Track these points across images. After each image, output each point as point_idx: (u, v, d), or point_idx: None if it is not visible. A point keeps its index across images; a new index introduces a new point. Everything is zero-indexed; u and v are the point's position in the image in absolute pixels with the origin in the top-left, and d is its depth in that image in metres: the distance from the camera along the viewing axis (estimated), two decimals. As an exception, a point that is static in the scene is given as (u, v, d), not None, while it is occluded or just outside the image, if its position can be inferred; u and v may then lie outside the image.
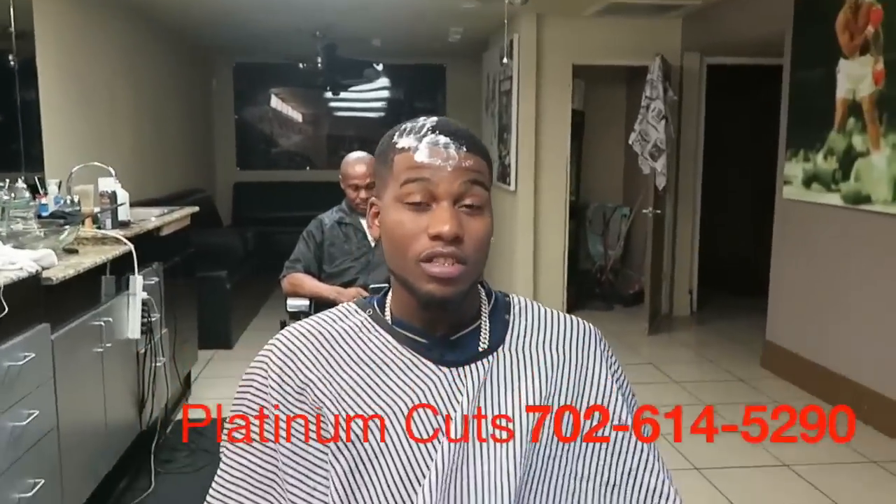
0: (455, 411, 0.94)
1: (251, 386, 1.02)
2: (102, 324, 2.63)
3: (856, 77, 3.71)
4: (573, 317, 1.10)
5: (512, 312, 1.06)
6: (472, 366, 0.98)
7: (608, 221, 6.63)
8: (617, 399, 1.02)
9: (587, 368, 1.03)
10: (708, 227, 6.11)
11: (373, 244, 3.02)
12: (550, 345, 1.03)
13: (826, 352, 4.05)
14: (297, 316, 3.02)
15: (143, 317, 2.94)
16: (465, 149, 0.94)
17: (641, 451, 1.02)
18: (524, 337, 1.03)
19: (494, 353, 1.00)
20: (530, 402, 0.96)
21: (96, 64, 4.64)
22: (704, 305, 6.10)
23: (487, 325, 1.02)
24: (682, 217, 5.91)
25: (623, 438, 1.01)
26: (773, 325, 4.58)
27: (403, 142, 0.96)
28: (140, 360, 3.05)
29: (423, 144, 0.94)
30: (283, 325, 3.15)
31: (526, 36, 5.61)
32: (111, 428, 2.73)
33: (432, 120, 0.97)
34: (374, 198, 1.03)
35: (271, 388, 0.99)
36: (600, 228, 6.67)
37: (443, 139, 0.94)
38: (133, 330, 2.90)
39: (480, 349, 1.00)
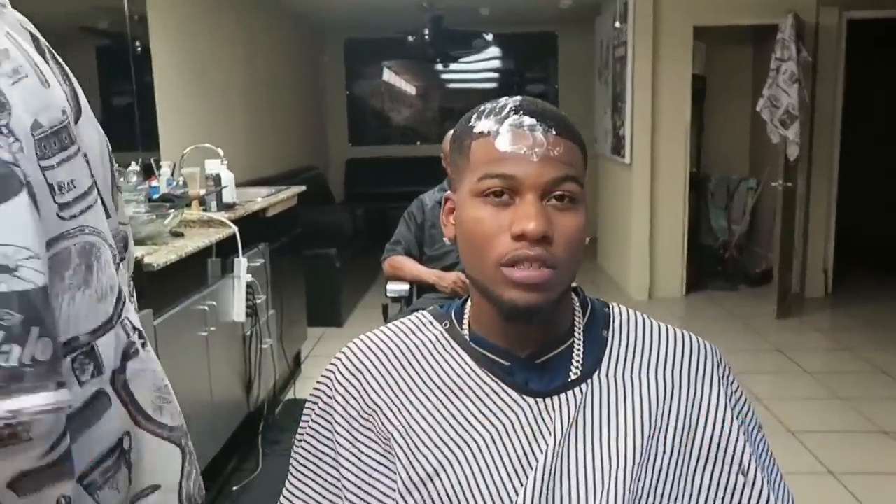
0: (541, 452, 0.80)
1: (315, 406, 0.92)
2: (207, 307, 2.64)
3: None
4: (687, 333, 0.92)
5: (611, 327, 0.89)
6: (563, 396, 0.83)
7: (733, 194, 6.19)
8: (738, 436, 0.85)
9: (702, 398, 0.85)
10: (846, 201, 5.58)
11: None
12: (657, 370, 0.86)
13: None
14: (398, 300, 2.95)
15: (247, 299, 2.95)
16: (553, 132, 0.79)
17: (766, 499, 0.84)
18: (625, 359, 0.87)
19: (589, 381, 0.84)
20: (631, 441, 0.81)
21: (209, 45, 4.72)
22: (841, 286, 5.60)
23: (581, 345, 0.87)
24: (816, 190, 5.42)
25: (743, 485, 0.83)
26: (923, 310, 4.12)
27: (482, 125, 0.81)
28: (246, 341, 3.08)
29: (504, 128, 0.79)
30: (386, 308, 3.09)
31: (642, -2, 5.26)
32: (218, 410, 2.77)
33: (516, 99, 0.83)
34: (448, 191, 0.89)
35: (335, 410, 0.88)
36: (724, 202, 6.24)
37: (528, 121, 0.79)
38: (238, 313, 2.91)
39: (572, 376, 0.84)
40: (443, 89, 8.48)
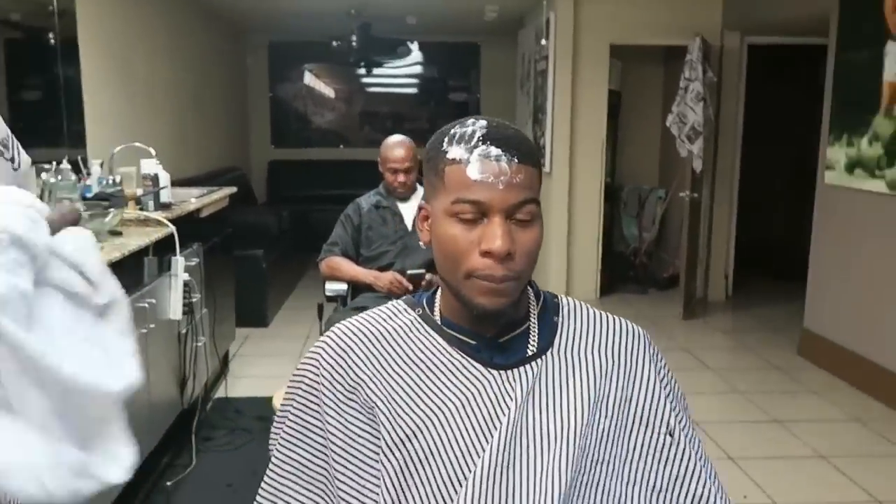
0: (503, 414, 0.95)
1: (302, 383, 1.04)
2: (146, 305, 2.68)
3: (905, 60, 3.60)
4: (623, 319, 1.10)
5: (561, 314, 1.06)
6: (521, 369, 0.98)
7: (644, 203, 6.56)
8: (665, 405, 1.03)
9: (636, 373, 1.03)
10: (746, 211, 6.02)
11: (409, 228, 3.03)
12: (599, 348, 1.03)
13: (865, 341, 3.99)
14: (334, 300, 3.06)
15: (184, 297, 3.00)
16: (516, 160, 0.93)
17: (689, 458, 1.02)
18: (573, 340, 1.03)
19: (543, 357, 1.00)
20: (579, 407, 0.97)
21: (136, 42, 4.68)
22: (741, 290, 6.04)
23: (536, 327, 1.03)
24: (719, 200, 5.83)
25: (670, 444, 1.01)
26: (812, 313, 4.52)
27: (454, 152, 0.95)
28: (181, 339, 3.11)
29: (474, 157, 0.93)
30: (321, 308, 3.19)
31: (563, 15, 5.54)
32: (154, 407, 2.80)
33: (482, 125, 0.96)
34: (423, 201, 1.03)
35: (323, 385, 1.01)
36: (635, 210, 6.60)
37: (494, 151, 0.93)
38: (175, 311, 2.95)
39: (529, 353, 1.00)
40: (365, 94, 8.58)
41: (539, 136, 5.98)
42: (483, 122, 0.97)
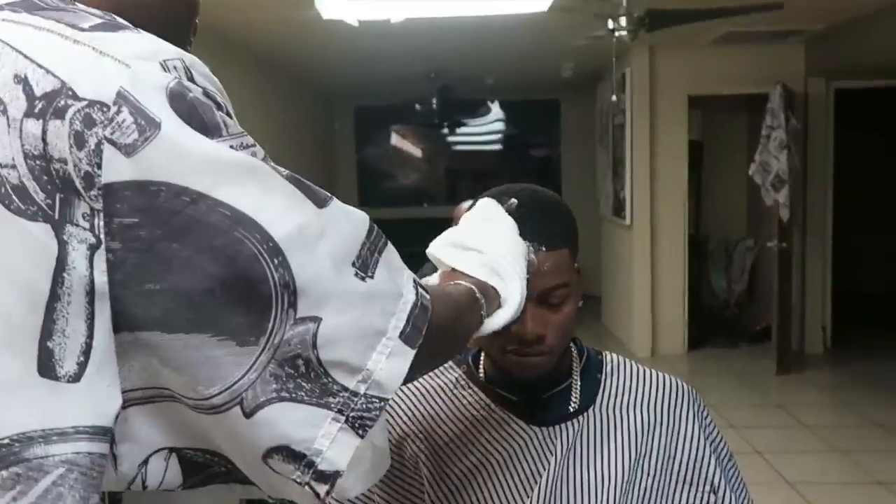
0: (545, 470, 0.97)
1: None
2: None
3: None
4: (669, 376, 1.10)
5: (604, 371, 1.07)
6: (563, 425, 1.00)
7: (731, 255, 6.38)
8: (711, 462, 1.01)
9: (679, 430, 1.03)
10: (843, 260, 5.76)
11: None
12: (642, 405, 1.04)
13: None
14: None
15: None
16: (544, 249, 0.92)
17: None
18: (616, 397, 1.04)
19: (585, 414, 1.02)
20: (620, 465, 0.98)
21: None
22: (840, 342, 5.73)
23: (578, 384, 1.04)
24: (811, 249, 5.61)
25: (714, 502, 1.00)
26: (916, 366, 4.25)
27: None
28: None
29: None
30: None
31: (638, 69, 5.56)
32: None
33: (519, 204, 0.93)
34: None
35: (372, 441, 1.05)
36: (723, 262, 6.43)
37: (528, 239, 0.91)
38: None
39: (571, 409, 1.02)
40: (449, 152, 8.78)
41: (619, 189, 5.96)
42: (520, 198, 0.95)
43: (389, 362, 0.58)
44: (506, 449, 0.99)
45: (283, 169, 0.60)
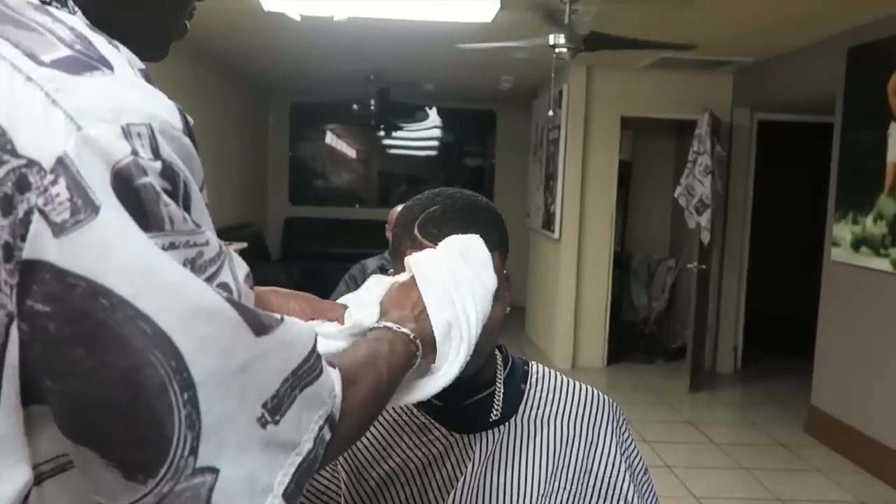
0: (458, 480, 0.97)
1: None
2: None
3: (908, 142, 3.65)
4: (592, 389, 1.11)
5: (529, 382, 1.08)
6: (483, 433, 1.01)
7: (653, 273, 6.57)
8: (625, 477, 1.04)
9: (597, 444, 1.04)
10: (755, 284, 6.01)
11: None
12: (562, 418, 1.05)
13: (872, 421, 3.92)
14: (333, 357, 3.08)
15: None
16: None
17: None
18: (538, 408, 1.05)
19: (507, 423, 1.02)
20: (537, 476, 0.99)
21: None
22: (749, 363, 5.97)
23: (501, 393, 1.05)
24: (728, 272, 5.83)
25: None
26: (818, 390, 4.46)
27: (419, 234, 0.94)
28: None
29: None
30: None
31: (575, 86, 5.68)
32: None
33: (444, 210, 0.94)
34: (391, 270, 1.06)
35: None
36: (645, 279, 6.61)
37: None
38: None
39: (493, 417, 1.03)
40: (384, 155, 8.76)
41: (550, 202, 6.06)
42: (447, 205, 0.95)
43: None
44: (425, 455, 0.99)
45: (230, 276, 0.54)
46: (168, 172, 0.49)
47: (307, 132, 8.61)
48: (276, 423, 0.53)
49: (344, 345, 0.76)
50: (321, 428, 0.57)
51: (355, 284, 3.13)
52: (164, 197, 0.48)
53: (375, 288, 0.86)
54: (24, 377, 0.47)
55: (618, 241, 6.16)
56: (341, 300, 0.88)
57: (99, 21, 0.56)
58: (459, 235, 0.90)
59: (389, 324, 0.76)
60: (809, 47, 4.68)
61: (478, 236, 0.90)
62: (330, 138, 8.66)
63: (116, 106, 0.48)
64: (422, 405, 1.02)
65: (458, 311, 0.80)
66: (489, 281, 0.85)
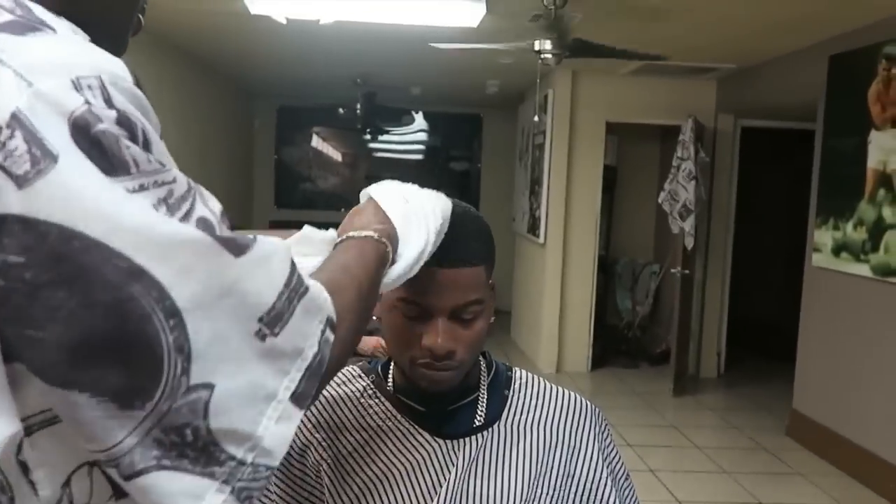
0: (441, 485, 0.97)
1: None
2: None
3: (887, 149, 3.70)
4: (574, 394, 1.12)
5: (512, 388, 1.09)
6: (467, 439, 1.01)
7: (637, 278, 6.61)
8: (607, 483, 1.04)
9: (579, 450, 1.05)
10: (739, 289, 6.06)
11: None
12: (545, 424, 1.05)
13: (852, 424, 3.97)
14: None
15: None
16: (461, 265, 0.92)
17: None
18: (521, 414, 1.06)
19: (489, 429, 1.03)
20: (519, 481, 0.99)
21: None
22: (732, 368, 6.02)
23: (485, 398, 1.06)
24: (711, 277, 5.87)
25: None
26: (800, 394, 4.50)
27: None
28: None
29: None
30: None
31: (560, 92, 5.70)
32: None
33: None
34: None
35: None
36: (629, 284, 6.65)
37: (443, 256, 0.90)
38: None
39: (476, 423, 1.03)
40: (370, 158, 8.75)
41: (535, 207, 6.08)
42: None
43: (278, 427, 0.55)
44: (409, 460, 0.99)
45: (205, 209, 0.55)
46: (124, 121, 0.50)
47: (293, 135, 8.59)
48: (276, 334, 0.55)
49: (317, 262, 0.76)
50: (323, 331, 0.60)
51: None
52: (125, 140, 0.49)
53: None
54: (3, 334, 0.48)
55: (602, 246, 6.19)
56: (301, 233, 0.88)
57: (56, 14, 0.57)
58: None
59: (353, 233, 0.77)
60: (792, 55, 4.73)
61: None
62: (316, 142, 8.65)
63: (64, 61, 0.49)
64: (406, 411, 1.03)
65: (415, 205, 0.85)
66: (440, 196, 0.90)
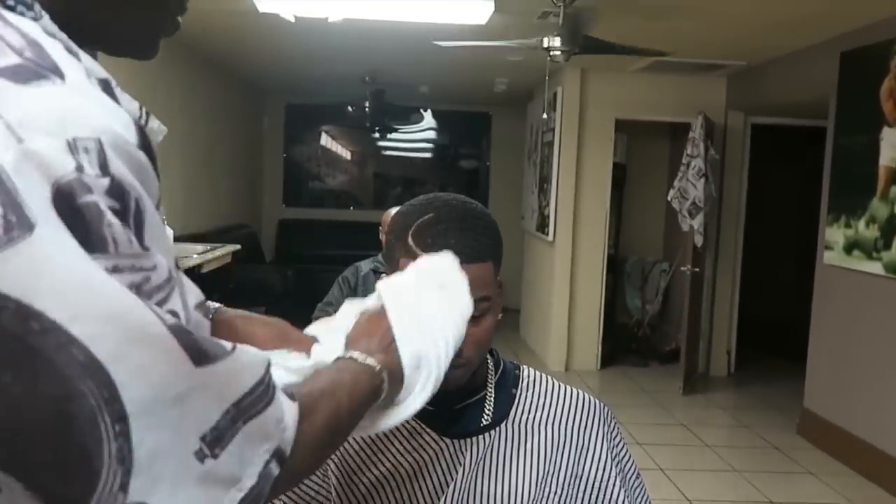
0: (448, 485, 0.97)
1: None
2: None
3: (900, 146, 3.67)
4: (582, 393, 1.11)
5: (520, 386, 1.08)
6: (474, 439, 1.00)
7: (647, 276, 6.58)
8: (616, 483, 1.03)
9: (588, 449, 1.04)
10: (749, 287, 6.02)
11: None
12: (553, 423, 1.05)
13: (863, 423, 3.94)
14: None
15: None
16: (468, 261, 0.91)
17: None
18: (529, 413, 1.05)
19: (497, 428, 1.02)
20: (527, 481, 0.99)
21: (151, 97, 4.84)
22: (743, 366, 5.99)
23: (492, 397, 1.05)
24: (721, 275, 5.84)
25: None
26: (811, 393, 4.48)
27: (409, 246, 0.93)
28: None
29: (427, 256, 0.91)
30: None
31: (569, 89, 5.68)
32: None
33: (440, 218, 0.94)
34: (384, 273, 1.06)
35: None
36: (639, 282, 6.62)
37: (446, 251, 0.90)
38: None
39: (484, 422, 1.02)
40: (379, 156, 8.75)
41: (544, 205, 6.07)
42: (442, 213, 0.95)
43: None
44: (416, 460, 0.99)
45: (179, 304, 0.51)
46: (116, 190, 0.47)
47: (302, 134, 8.60)
48: (216, 457, 0.50)
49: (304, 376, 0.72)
50: (267, 462, 0.54)
51: (349, 286, 3.13)
52: (109, 217, 0.46)
53: (350, 312, 0.83)
54: None
55: (612, 244, 6.17)
56: (312, 329, 0.84)
57: (74, 23, 0.53)
58: (431, 256, 0.87)
59: (355, 354, 0.72)
60: (803, 51, 4.70)
61: (451, 255, 0.86)
62: (325, 140, 8.65)
63: (63, 118, 0.46)
64: (413, 410, 1.02)
65: (429, 342, 0.77)
66: (465, 307, 0.82)
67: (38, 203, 0.43)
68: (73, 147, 0.45)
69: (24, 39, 0.48)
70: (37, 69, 0.47)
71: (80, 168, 0.45)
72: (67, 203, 0.44)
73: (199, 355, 0.49)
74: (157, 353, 0.47)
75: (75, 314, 0.43)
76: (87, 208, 0.45)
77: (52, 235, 0.43)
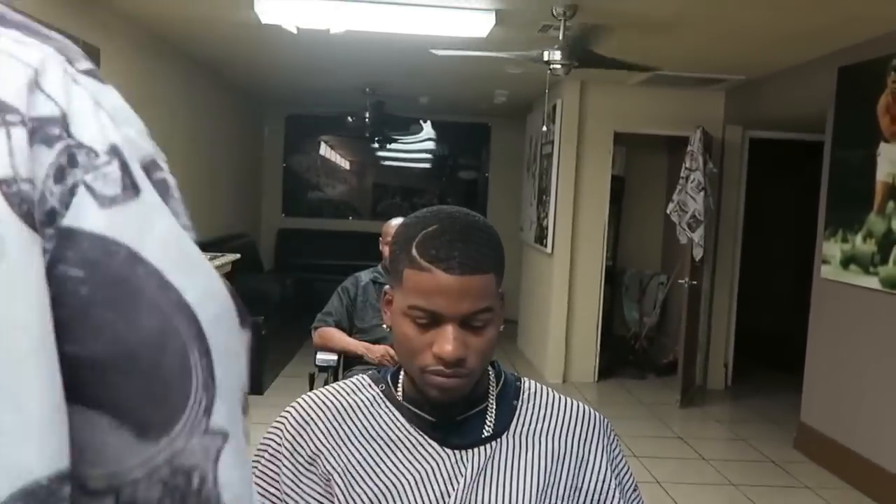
0: (450, 496, 0.98)
1: (265, 451, 1.07)
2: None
3: (897, 161, 3.70)
4: (583, 405, 1.12)
5: (521, 398, 1.09)
6: (475, 450, 1.02)
7: (645, 288, 6.60)
8: (615, 496, 1.04)
9: (588, 461, 1.05)
10: (747, 300, 6.04)
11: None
12: (554, 434, 1.06)
13: (860, 438, 3.94)
14: (325, 370, 3.09)
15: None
16: (472, 273, 0.94)
17: None
18: (529, 425, 1.06)
19: (498, 440, 1.03)
20: (527, 492, 1.00)
21: (154, 106, 4.86)
22: (740, 379, 5.99)
23: (494, 409, 1.06)
24: (719, 288, 5.86)
25: None
26: (808, 407, 4.48)
27: (414, 258, 0.95)
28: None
29: (432, 268, 0.94)
30: (312, 377, 3.21)
31: (569, 102, 5.72)
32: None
33: (443, 229, 0.96)
34: (387, 287, 1.07)
35: (283, 455, 1.04)
36: (636, 295, 6.64)
37: (452, 263, 0.93)
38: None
39: (485, 434, 1.03)
40: (378, 166, 8.77)
41: (543, 216, 6.09)
42: (445, 225, 0.97)
43: None
44: (417, 471, 1.00)
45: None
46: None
47: (302, 144, 8.63)
48: (244, 411, 0.56)
49: None
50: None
51: (348, 296, 3.15)
52: (174, 191, 0.54)
53: None
54: None
55: (610, 257, 6.19)
56: None
57: None
58: None
59: None
60: (801, 66, 4.73)
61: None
62: (324, 150, 8.68)
63: (131, 112, 0.54)
64: (414, 421, 1.03)
65: None
66: None
67: (141, 176, 0.51)
68: (143, 136, 0.53)
69: (81, 53, 0.55)
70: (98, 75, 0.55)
71: (152, 153, 0.53)
72: (150, 177, 0.52)
73: (243, 320, 0.55)
74: (226, 308, 0.53)
75: (171, 265, 0.50)
76: (162, 183, 0.53)
77: (153, 200, 0.51)
